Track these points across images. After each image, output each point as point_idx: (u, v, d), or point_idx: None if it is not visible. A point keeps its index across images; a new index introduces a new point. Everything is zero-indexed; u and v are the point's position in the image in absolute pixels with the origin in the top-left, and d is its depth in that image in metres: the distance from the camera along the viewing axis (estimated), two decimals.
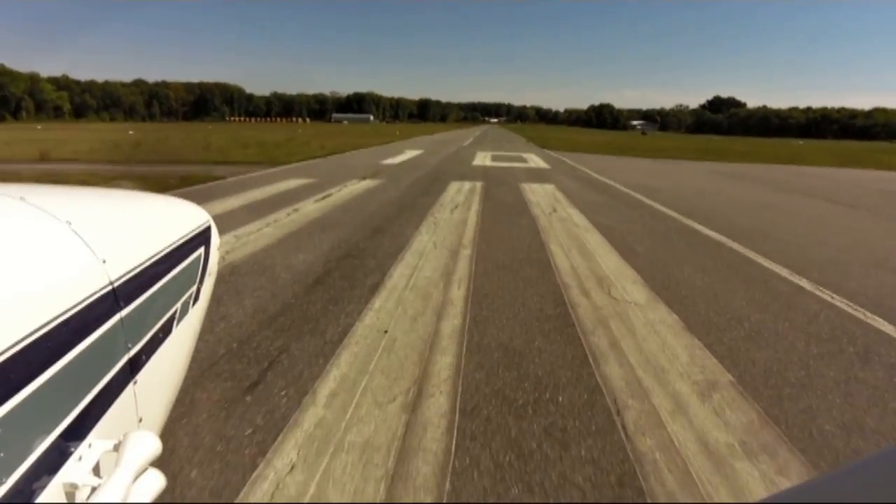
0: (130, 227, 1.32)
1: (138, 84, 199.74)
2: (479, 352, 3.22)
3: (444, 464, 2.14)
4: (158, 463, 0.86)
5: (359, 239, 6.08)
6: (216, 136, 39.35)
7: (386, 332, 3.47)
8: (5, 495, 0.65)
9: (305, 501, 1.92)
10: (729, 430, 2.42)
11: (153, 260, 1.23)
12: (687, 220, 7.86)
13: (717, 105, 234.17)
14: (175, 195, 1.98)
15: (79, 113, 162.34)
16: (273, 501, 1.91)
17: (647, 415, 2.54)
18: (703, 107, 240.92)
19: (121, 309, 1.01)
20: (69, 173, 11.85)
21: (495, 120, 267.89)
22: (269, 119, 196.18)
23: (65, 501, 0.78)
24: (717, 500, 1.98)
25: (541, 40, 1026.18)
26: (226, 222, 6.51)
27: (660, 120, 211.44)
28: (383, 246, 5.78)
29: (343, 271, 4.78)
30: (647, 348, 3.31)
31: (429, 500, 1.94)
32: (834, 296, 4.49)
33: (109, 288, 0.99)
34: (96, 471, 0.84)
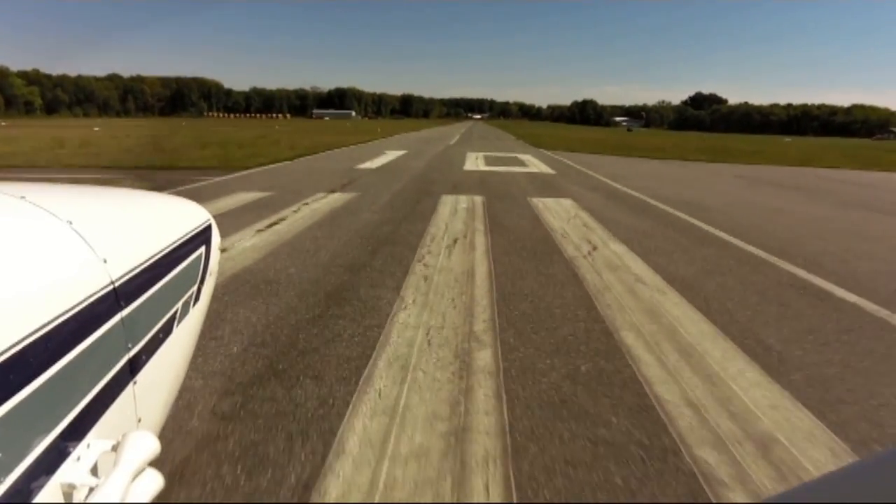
0: (132, 226, 1.30)
1: (112, 79, 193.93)
2: None
3: None
4: (157, 463, 0.82)
5: (300, 322, 3.60)
6: (183, 133, 36.48)
7: None
8: (3, 495, 0.64)
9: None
10: None
11: (154, 260, 1.20)
12: (787, 264, 5.46)
13: (699, 101, 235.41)
14: None
15: (51, 108, 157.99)
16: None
17: None
18: (685, 103, 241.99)
19: (121, 309, 1.00)
20: None
21: (478, 116, 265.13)
22: (248, 115, 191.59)
23: (63, 501, 0.76)
24: None
25: (523, 36, 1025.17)
26: None
27: (645, 116, 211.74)
28: (340, 341, 3.31)
29: (249, 437, 2.31)
30: None
31: None
32: None
33: (110, 288, 0.97)
34: (94, 471, 0.82)
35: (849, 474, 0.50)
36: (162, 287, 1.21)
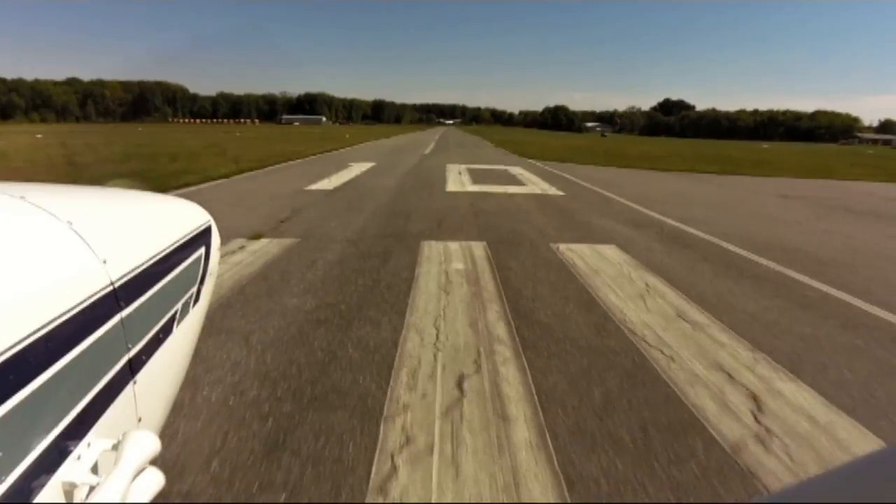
0: (131, 226, 1.27)
1: (72, 83, 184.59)
2: None
3: None
4: (157, 462, 0.80)
5: None
6: (124, 141, 32.33)
7: None
8: (4, 494, 0.62)
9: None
10: None
11: (154, 260, 1.19)
12: None
13: (668, 108, 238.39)
14: None
15: (5, 114, 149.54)
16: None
17: None
18: (654, 109, 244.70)
19: (121, 309, 0.98)
20: None
21: (451, 122, 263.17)
22: (215, 120, 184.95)
23: (63, 500, 0.74)
24: None
25: (494, 41, 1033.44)
26: None
27: (619, 122, 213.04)
28: None
29: None
30: None
31: None
32: None
33: (110, 288, 0.95)
34: (95, 470, 0.80)
35: (848, 474, 0.50)
36: (161, 288, 1.20)
